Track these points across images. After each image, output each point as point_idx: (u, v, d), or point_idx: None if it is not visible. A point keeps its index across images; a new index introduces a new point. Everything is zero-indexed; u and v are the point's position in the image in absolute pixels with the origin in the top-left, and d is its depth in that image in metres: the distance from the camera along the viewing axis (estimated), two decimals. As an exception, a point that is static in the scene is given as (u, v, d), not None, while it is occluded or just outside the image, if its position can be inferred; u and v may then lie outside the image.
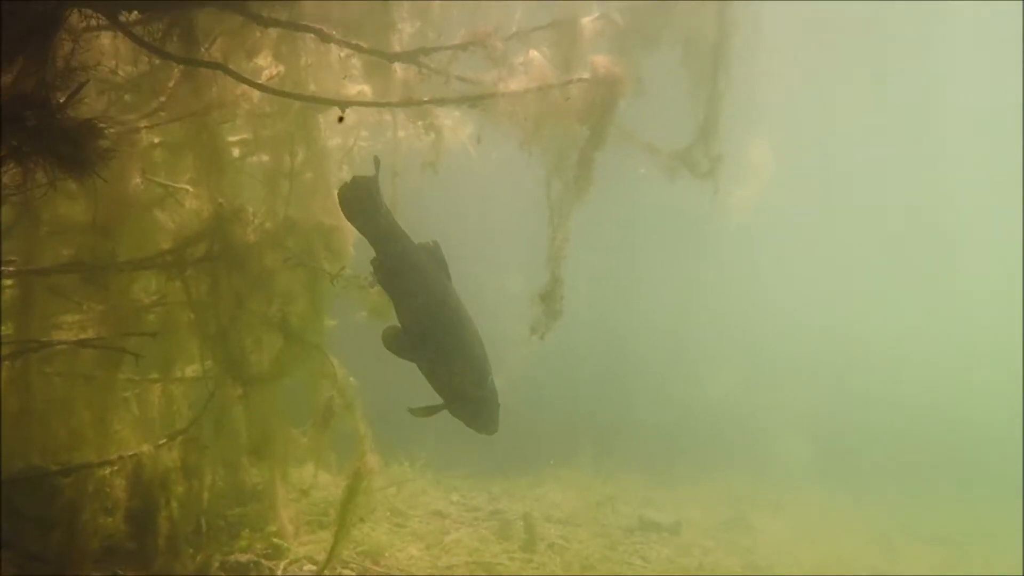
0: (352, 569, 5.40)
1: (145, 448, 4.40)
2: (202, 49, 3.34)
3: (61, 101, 2.10)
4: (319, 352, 4.78)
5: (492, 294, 8.63)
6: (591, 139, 3.51)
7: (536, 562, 6.52)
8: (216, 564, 4.92)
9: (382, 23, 3.79)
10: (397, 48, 3.81)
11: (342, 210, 3.73)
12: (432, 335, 3.54)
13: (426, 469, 8.38)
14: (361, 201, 3.66)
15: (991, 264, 23.84)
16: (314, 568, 5.11)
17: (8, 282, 4.24)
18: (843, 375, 18.01)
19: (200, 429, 4.72)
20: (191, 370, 5.06)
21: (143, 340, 4.38)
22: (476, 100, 3.62)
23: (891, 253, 23.30)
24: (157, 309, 4.69)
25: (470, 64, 3.80)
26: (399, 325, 3.65)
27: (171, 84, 3.72)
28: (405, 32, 3.87)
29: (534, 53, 3.60)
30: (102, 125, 2.20)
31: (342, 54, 3.87)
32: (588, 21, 3.80)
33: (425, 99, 3.89)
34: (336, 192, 3.73)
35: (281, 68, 4.08)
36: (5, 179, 2.41)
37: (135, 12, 2.83)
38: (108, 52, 3.60)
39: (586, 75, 3.54)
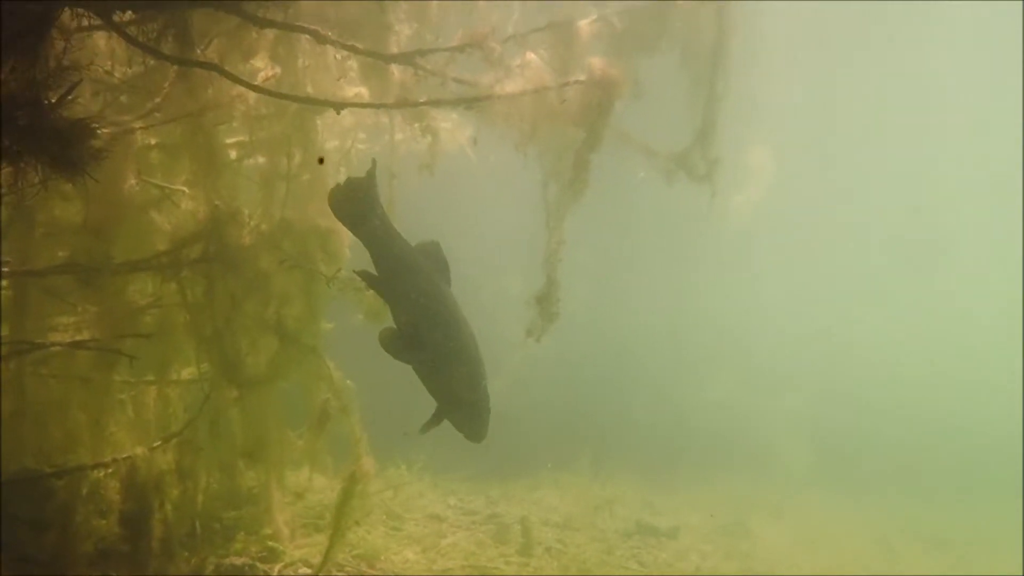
0: (347, 572, 5.38)
1: (139, 450, 4.38)
2: (198, 50, 3.33)
3: (53, 101, 2.09)
4: (315, 355, 4.77)
5: (490, 297, 8.62)
6: (587, 141, 3.50)
7: (533, 566, 6.49)
8: (211, 567, 4.90)
9: (379, 25, 3.79)
10: (395, 51, 3.80)
11: (334, 213, 3.72)
12: (427, 338, 3.52)
13: (424, 472, 8.35)
14: (354, 203, 3.64)
15: (991, 266, 23.85)
16: (309, 571, 5.09)
17: (3, 283, 4.23)
18: (843, 378, 17.99)
19: (195, 432, 4.71)
20: (187, 372, 5.04)
21: (139, 342, 4.37)
22: (472, 102, 3.61)
23: (890, 255, 23.30)
24: (153, 311, 4.67)
25: (467, 66, 3.80)
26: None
27: (166, 85, 3.70)
28: (403, 34, 3.87)
29: (531, 55, 3.59)
30: (94, 125, 2.19)
31: (339, 56, 3.86)
32: (585, 24, 3.79)
33: (421, 100, 3.88)
34: (328, 195, 3.71)
35: (277, 70, 4.07)
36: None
37: (129, 12, 2.82)
38: (104, 53, 3.59)
39: (582, 77, 3.53)
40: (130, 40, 2.88)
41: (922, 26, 15.80)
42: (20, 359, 4.25)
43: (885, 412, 16.80)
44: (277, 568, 5.12)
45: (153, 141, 4.38)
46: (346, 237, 4.40)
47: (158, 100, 3.82)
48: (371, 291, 4.28)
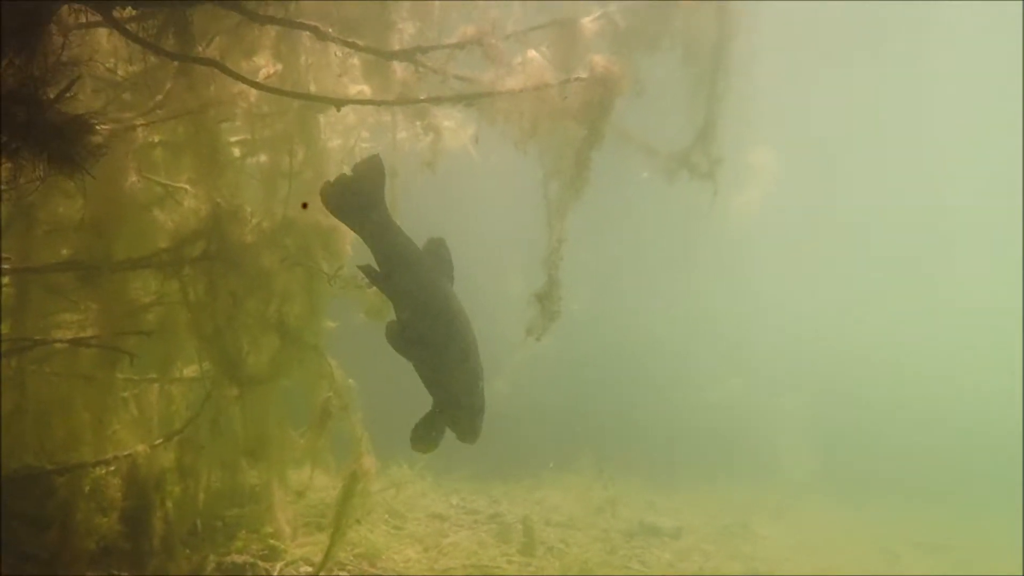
0: (349, 571, 5.38)
1: (141, 448, 4.38)
2: (199, 47, 3.33)
3: (51, 97, 2.08)
4: (317, 353, 4.76)
5: (492, 297, 8.61)
6: (588, 138, 3.49)
7: (535, 565, 6.48)
8: (212, 565, 4.90)
9: (381, 22, 3.78)
10: (397, 48, 3.80)
11: (327, 208, 3.70)
12: (427, 335, 3.51)
13: (426, 472, 8.33)
14: (350, 197, 3.62)
15: (991, 269, 23.80)
16: (310, 570, 5.09)
17: (4, 280, 4.23)
18: (843, 378, 17.97)
19: (197, 430, 4.70)
20: (189, 370, 5.04)
21: (141, 340, 4.36)
22: (474, 99, 3.61)
23: (891, 257, 23.28)
24: (155, 309, 4.67)
25: (469, 63, 3.79)
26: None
27: (168, 82, 3.70)
28: (405, 32, 3.86)
29: (532, 53, 3.58)
30: (93, 121, 2.18)
31: (340, 53, 3.85)
32: (587, 21, 3.79)
33: (422, 98, 3.87)
34: (319, 191, 3.69)
35: (279, 67, 4.06)
36: (-2, 176, 2.40)
37: (129, 9, 2.82)
38: (106, 50, 3.59)
39: (584, 75, 3.52)
40: (129, 35, 2.87)
41: (922, 26, 15.77)
42: (21, 356, 4.25)
43: (885, 412, 16.80)
44: (278, 566, 5.11)
45: (155, 138, 4.37)
46: (348, 234, 4.39)
47: (160, 97, 3.82)
48: (373, 289, 4.28)
